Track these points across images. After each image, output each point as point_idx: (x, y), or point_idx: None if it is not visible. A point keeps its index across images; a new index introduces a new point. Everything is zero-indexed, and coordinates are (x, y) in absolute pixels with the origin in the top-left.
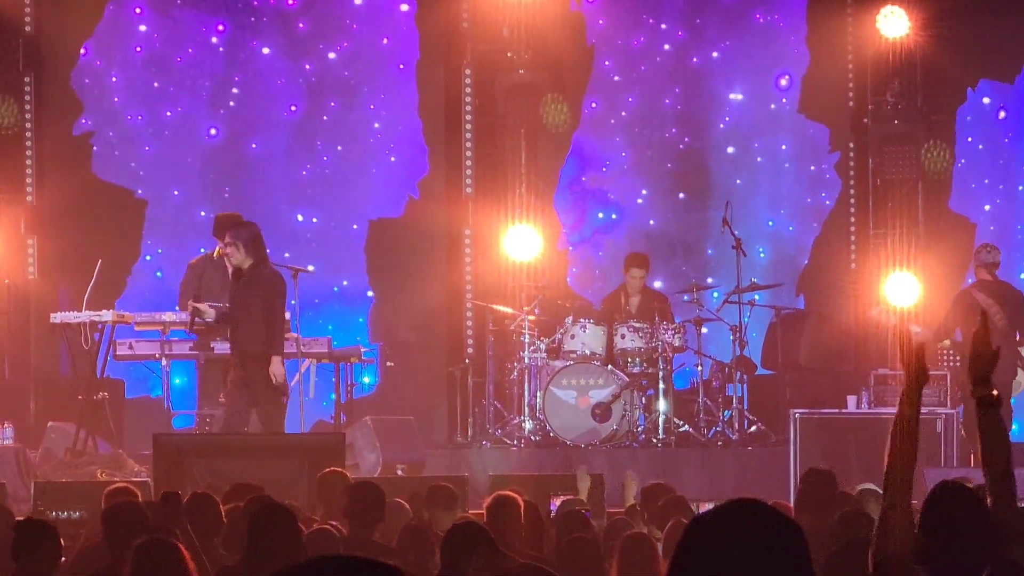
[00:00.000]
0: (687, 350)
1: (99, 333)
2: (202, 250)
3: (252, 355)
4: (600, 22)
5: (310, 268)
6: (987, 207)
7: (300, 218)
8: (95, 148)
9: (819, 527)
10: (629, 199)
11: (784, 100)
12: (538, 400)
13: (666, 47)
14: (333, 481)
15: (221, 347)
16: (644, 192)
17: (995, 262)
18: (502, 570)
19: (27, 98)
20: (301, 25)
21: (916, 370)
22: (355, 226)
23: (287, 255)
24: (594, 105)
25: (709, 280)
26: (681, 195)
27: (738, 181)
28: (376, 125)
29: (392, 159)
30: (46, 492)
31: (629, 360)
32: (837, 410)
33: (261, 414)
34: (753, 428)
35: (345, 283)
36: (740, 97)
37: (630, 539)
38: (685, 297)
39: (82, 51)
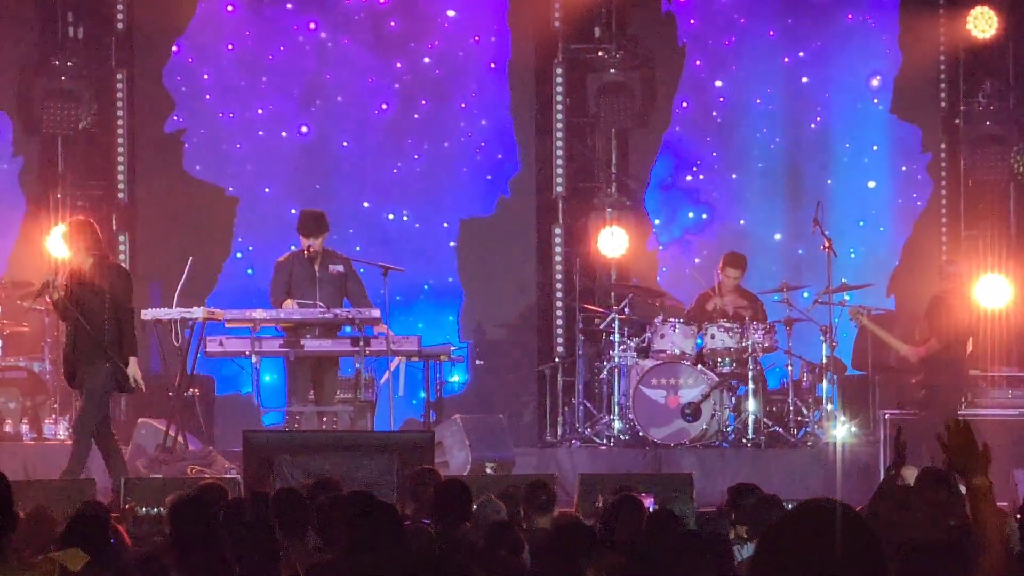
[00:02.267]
0: (777, 350)
1: (189, 330)
2: (292, 247)
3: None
4: (691, 21)
5: (401, 268)
6: None
7: (391, 216)
8: (187, 145)
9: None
10: (720, 198)
11: (876, 100)
12: (628, 399)
13: (757, 47)
14: (423, 479)
15: (311, 344)
16: (735, 192)
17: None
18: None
19: (119, 95)
20: (392, 23)
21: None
22: (445, 224)
23: (375, 253)
24: (685, 104)
25: (797, 281)
26: (772, 195)
27: (829, 181)
28: (466, 124)
29: (482, 158)
30: (136, 488)
31: (719, 360)
32: None
33: None
34: (843, 429)
35: (435, 281)
36: (831, 97)
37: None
38: (775, 297)
39: (174, 48)
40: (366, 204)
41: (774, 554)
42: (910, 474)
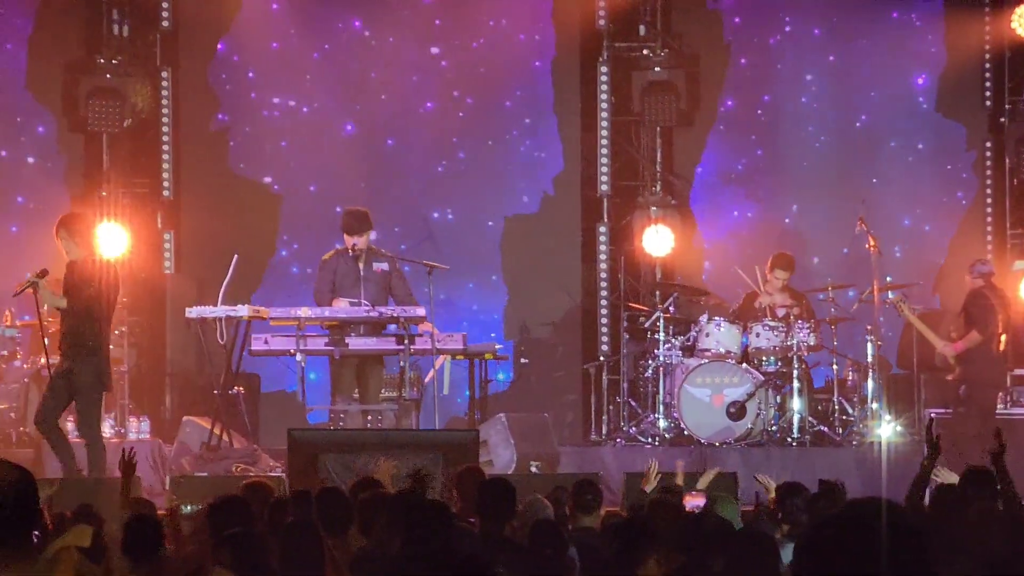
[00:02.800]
0: (822, 349)
1: (234, 328)
2: (337, 246)
3: None
4: (736, 20)
5: (445, 266)
6: None
7: (435, 215)
8: (231, 143)
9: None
10: (765, 197)
11: (920, 99)
12: (673, 398)
13: (803, 45)
14: (468, 477)
15: (356, 342)
16: (780, 190)
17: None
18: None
19: (164, 93)
20: (437, 21)
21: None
22: (490, 223)
23: (420, 251)
24: (730, 103)
25: (842, 280)
26: (817, 193)
27: (874, 180)
28: (510, 122)
29: (527, 156)
30: (181, 486)
31: (764, 358)
32: None
33: None
34: (888, 428)
35: (480, 280)
36: (876, 95)
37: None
38: (820, 296)
39: (219, 46)
40: (411, 202)
41: (819, 553)
42: (946, 474)
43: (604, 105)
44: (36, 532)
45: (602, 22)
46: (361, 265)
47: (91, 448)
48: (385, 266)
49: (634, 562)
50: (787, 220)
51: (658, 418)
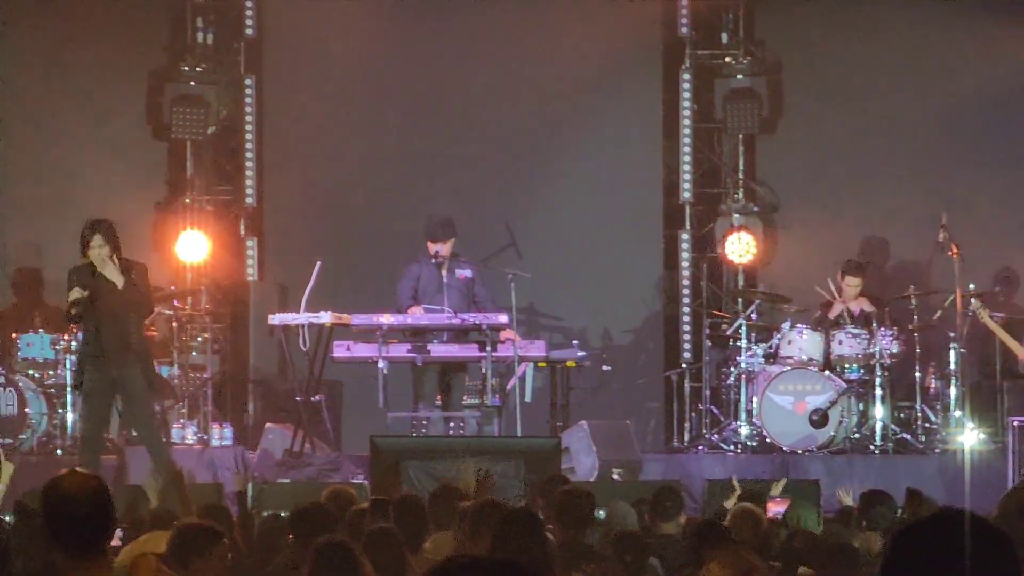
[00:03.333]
0: (905, 356)
1: (317, 335)
2: (421, 253)
3: None
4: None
5: (527, 273)
6: None
7: (517, 221)
8: (313, 150)
9: None
10: (846, 203)
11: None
12: (755, 405)
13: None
14: (550, 485)
15: (438, 349)
16: (863, 196)
17: None
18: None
19: (248, 100)
20: (523, 33)
21: None
22: (572, 229)
23: (502, 258)
24: (811, 108)
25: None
26: (901, 199)
27: (959, 184)
28: (593, 130)
29: (609, 163)
30: (264, 493)
31: (847, 366)
32: None
33: None
34: (971, 436)
35: (562, 286)
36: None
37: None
38: (905, 302)
39: (302, 54)
40: (492, 209)
41: (904, 561)
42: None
43: (686, 113)
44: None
45: (684, 30)
46: (444, 272)
47: (162, 454)
48: (468, 273)
49: (699, 560)
50: (870, 227)
51: (740, 425)
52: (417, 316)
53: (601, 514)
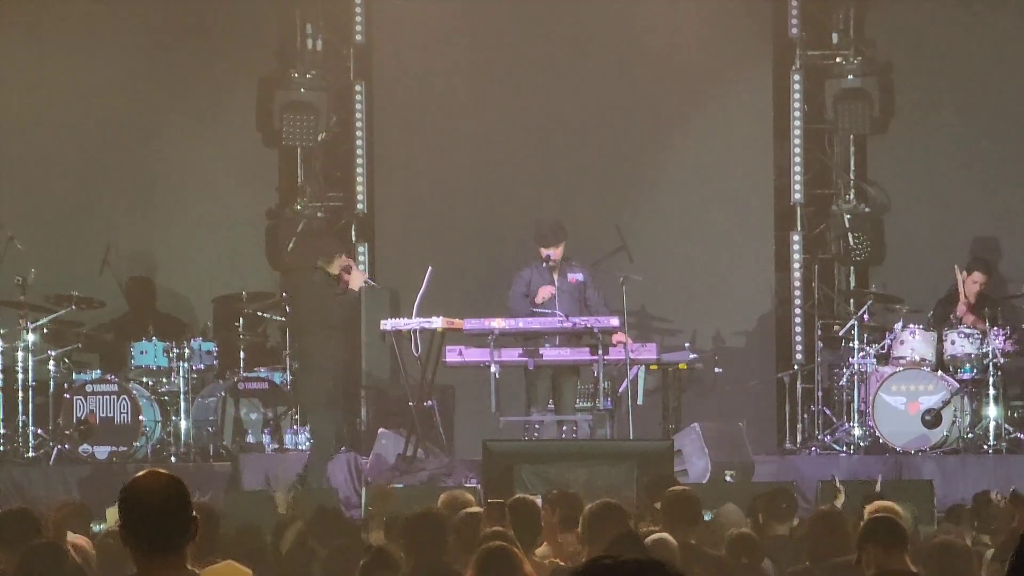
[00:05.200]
0: (1018, 356)
1: (429, 340)
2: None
3: None
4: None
5: (638, 276)
6: None
7: (628, 224)
8: (422, 156)
9: None
10: (956, 202)
11: None
12: (867, 406)
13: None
14: (660, 487)
15: (550, 353)
16: (979, 195)
17: None
18: None
19: (358, 107)
20: (627, 35)
21: None
22: (681, 232)
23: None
24: (923, 108)
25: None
26: (1010, 197)
27: None
28: (702, 132)
29: (719, 164)
30: (378, 498)
31: (960, 365)
32: None
33: None
34: None
35: (672, 289)
36: None
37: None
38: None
39: (412, 60)
40: (602, 212)
41: None
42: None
43: (797, 113)
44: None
45: (795, 31)
46: (555, 276)
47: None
48: (580, 276)
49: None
50: (985, 224)
51: (853, 426)
52: (528, 320)
53: (708, 516)
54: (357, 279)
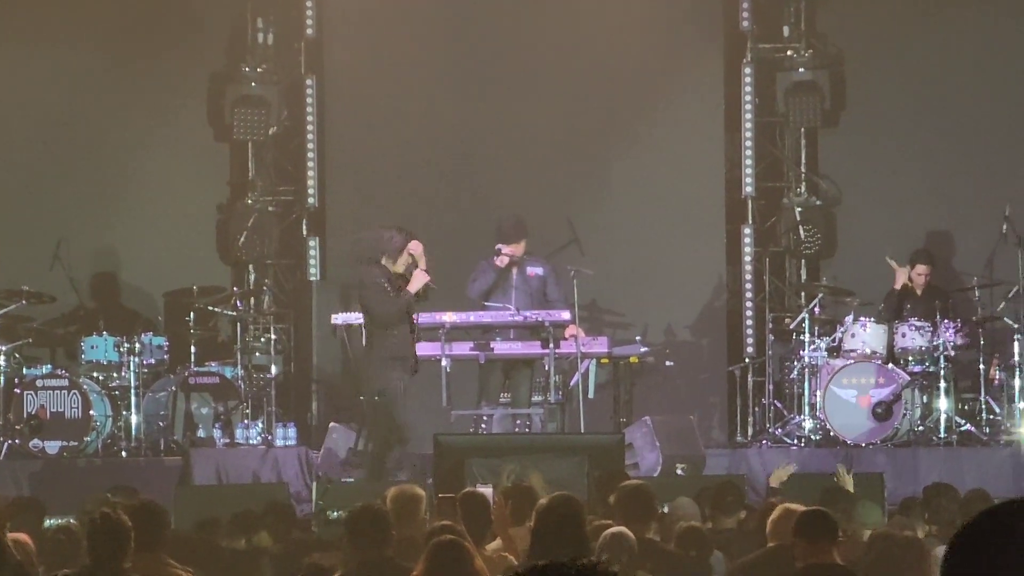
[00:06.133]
0: (969, 348)
1: None
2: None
3: None
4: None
5: (589, 271)
6: None
7: (578, 218)
8: (374, 151)
9: None
10: (914, 195)
11: None
12: (818, 399)
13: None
14: (611, 481)
15: (501, 347)
16: (928, 189)
17: None
18: None
19: (309, 101)
20: (577, 22)
21: None
22: (633, 225)
23: (564, 255)
24: (872, 99)
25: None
26: (966, 192)
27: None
28: (653, 124)
29: (670, 158)
30: (328, 492)
31: (910, 358)
32: None
33: None
34: None
35: (624, 282)
36: None
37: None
38: (969, 294)
39: (363, 53)
40: (552, 205)
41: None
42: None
43: (748, 106)
44: None
45: (746, 24)
46: (514, 271)
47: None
48: (540, 271)
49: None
50: (933, 219)
51: (804, 419)
52: (480, 314)
53: (664, 509)
54: (419, 280)
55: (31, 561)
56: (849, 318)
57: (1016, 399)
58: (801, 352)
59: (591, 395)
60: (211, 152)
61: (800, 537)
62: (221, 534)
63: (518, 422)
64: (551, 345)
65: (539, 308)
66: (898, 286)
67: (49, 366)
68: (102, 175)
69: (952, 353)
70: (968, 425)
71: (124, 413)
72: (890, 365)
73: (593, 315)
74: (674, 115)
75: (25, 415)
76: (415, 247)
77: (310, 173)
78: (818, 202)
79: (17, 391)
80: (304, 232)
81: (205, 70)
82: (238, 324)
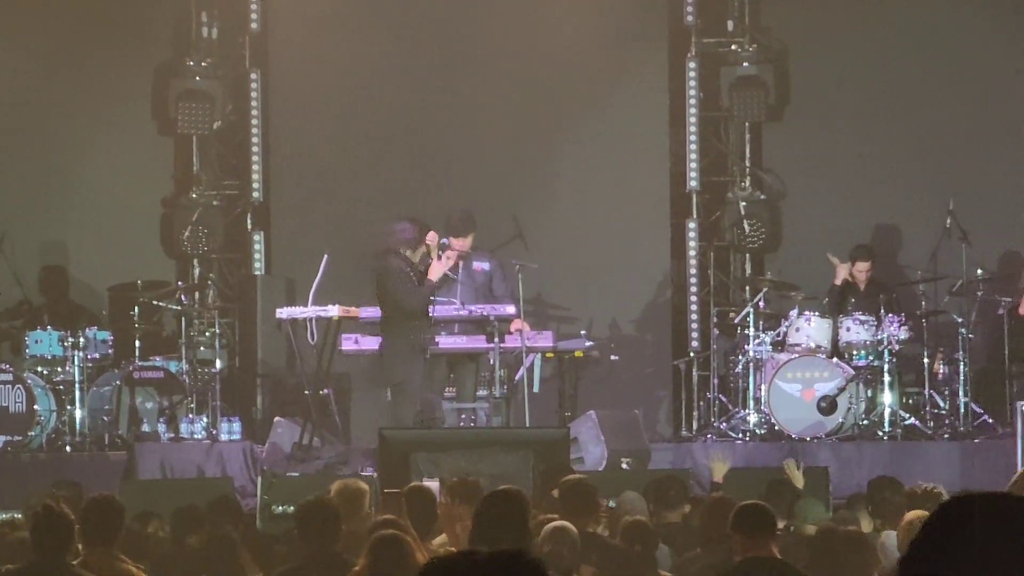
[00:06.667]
0: (913, 342)
1: (325, 328)
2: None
3: None
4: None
5: (534, 265)
6: None
7: (523, 212)
8: (320, 144)
9: None
10: (854, 190)
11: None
12: (763, 393)
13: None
14: (556, 476)
15: (446, 341)
16: (872, 183)
17: None
18: None
19: (254, 95)
20: (520, 18)
21: None
22: (578, 219)
23: (509, 250)
24: (818, 94)
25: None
26: (910, 185)
27: (967, 170)
28: (598, 118)
29: (615, 152)
30: (273, 486)
31: (855, 352)
32: None
33: None
34: (979, 421)
35: (569, 276)
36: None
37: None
38: (914, 288)
39: (308, 48)
40: (497, 199)
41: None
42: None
43: (692, 101)
44: None
45: (690, 18)
46: (461, 266)
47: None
48: (486, 266)
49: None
50: (878, 213)
51: (748, 413)
52: None
53: (611, 504)
54: (437, 270)
55: None
56: (794, 312)
57: (960, 393)
58: (746, 346)
59: (536, 389)
60: (156, 146)
61: (737, 531)
62: (162, 528)
63: (463, 416)
64: (496, 339)
65: (484, 303)
66: (838, 282)
67: None
68: (46, 169)
69: (896, 347)
70: (912, 419)
71: (68, 408)
72: (835, 359)
73: (538, 309)
74: (619, 110)
75: None
76: (431, 238)
77: (255, 167)
78: (763, 196)
79: None
80: (249, 226)
81: (150, 64)
82: (183, 318)
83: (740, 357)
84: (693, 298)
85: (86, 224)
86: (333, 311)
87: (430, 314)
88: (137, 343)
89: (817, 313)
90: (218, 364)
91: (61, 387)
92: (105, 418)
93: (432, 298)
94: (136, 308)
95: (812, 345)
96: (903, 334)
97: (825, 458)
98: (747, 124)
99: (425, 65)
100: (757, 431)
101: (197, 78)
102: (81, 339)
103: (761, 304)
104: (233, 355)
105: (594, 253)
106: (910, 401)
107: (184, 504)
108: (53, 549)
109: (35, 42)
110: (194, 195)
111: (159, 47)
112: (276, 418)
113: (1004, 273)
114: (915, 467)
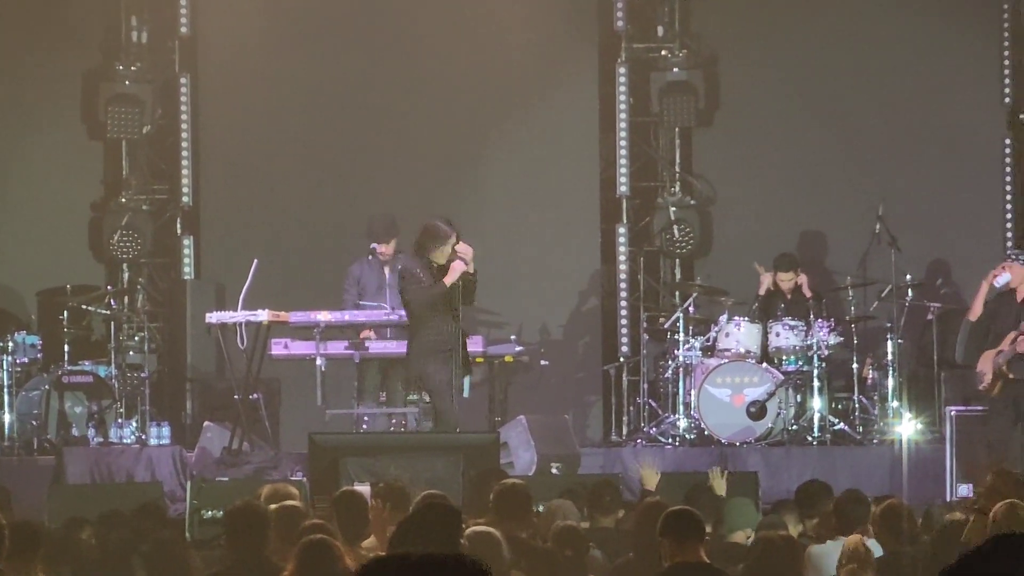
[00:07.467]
0: (842, 348)
1: (254, 333)
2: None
3: None
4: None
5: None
6: None
7: (453, 216)
8: (250, 149)
9: None
10: (788, 194)
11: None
12: (693, 398)
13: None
14: (487, 480)
15: (376, 346)
16: (801, 190)
17: None
18: None
19: (183, 99)
20: (450, 22)
21: None
22: (507, 224)
23: None
24: (745, 101)
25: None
26: (838, 192)
27: (896, 176)
28: (528, 123)
29: (545, 157)
30: (202, 491)
31: (784, 358)
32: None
33: None
34: (908, 426)
35: (499, 282)
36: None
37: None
38: (842, 294)
39: (238, 52)
40: (427, 204)
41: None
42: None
43: (622, 106)
44: None
45: (620, 24)
46: (387, 270)
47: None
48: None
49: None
50: (805, 218)
51: (678, 418)
52: (354, 313)
53: (539, 509)
54: (454, 273)
55: None
56: (723, 317)
57: (889, 398)
58: (675, 351)
59: (466, 394)
60: (85, 150)
61: (666, 536)
62: (89, 533)
63: (393, 421)
64: None
65: None
66: (762, 291)
67: None
68: None
69: (826, 352)
70: (841, 424)
71: None
72: (764, 364)
73: (468, 314)
74: (549, 114)
75: None
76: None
77: (184, 172)
78: (692, 202)
79: None
80: (178, 231)
81: (79, 68)
82: (112, 323)
83: (670, 362)
84: (623, 303)
85: (15, 228)
86: (263, 316)
87: (442, 313)
88: (66, 347)
89: (747, 318)
90: (147, 369)
91: None
92: (34, 422)
93: (453, 299)
94: (65, 312)
95: (742, 350)
96: (832, 339)
97: (754, 463)
98: (677, 129)
99: (354, 70)
100: (687, 436)
101: (127, 82)
102: (9, 343)
103: (691, 309)
104: (163, 360)
105: (524, 258)
106: (839, 406)
107: (109, 510)
108: None
109: None
110: (124, 199)
111: (88, 51)
112: (206, 423)
113: (931, 280)
114: (843, 472)
